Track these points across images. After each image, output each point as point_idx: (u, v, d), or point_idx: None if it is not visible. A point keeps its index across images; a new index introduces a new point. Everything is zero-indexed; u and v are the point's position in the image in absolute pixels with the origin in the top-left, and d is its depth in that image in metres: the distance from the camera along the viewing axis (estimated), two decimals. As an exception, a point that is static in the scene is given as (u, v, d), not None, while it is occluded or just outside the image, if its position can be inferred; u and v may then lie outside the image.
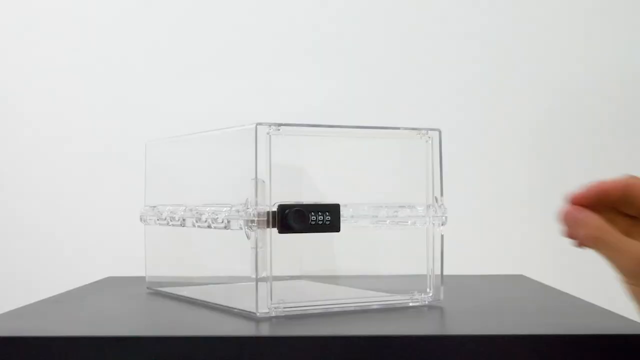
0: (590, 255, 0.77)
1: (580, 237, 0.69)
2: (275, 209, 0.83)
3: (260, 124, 0.83)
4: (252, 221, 0.82)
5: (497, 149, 1.64)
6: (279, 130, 0.85)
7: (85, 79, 1.65)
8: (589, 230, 0.68)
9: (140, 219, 1.08)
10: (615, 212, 0.71)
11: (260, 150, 0.83)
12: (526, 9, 1.66)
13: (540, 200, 1.58)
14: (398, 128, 0.91)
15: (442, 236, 0.93)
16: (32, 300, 0.98)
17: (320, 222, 0.84)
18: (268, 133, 0.84)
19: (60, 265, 1.61)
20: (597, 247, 0.69)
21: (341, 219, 0.87)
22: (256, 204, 0.83)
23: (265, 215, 0.82)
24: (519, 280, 1.21)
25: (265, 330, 0.79)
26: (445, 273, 0.93)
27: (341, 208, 0.87)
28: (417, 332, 0.78)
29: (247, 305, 0.85)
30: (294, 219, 0.82)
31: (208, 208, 0.91)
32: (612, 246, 0.68)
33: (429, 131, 0.93)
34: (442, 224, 0.93)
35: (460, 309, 0.92)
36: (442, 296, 0.93)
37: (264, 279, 0.83)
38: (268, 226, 0.82)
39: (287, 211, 0.82)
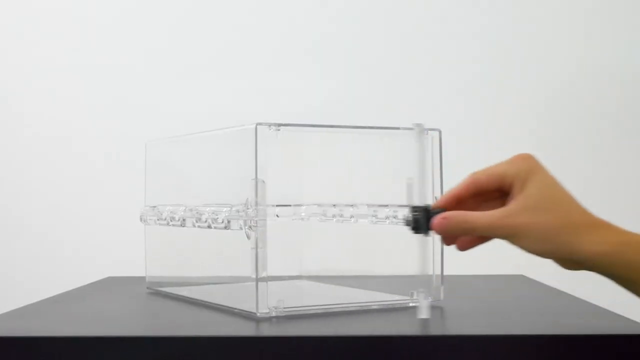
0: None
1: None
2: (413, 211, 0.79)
3: (260, 124, 0.83)
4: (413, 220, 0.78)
5: (497, 149, 1.63)
6: (279, 130, 0.84)
7: (85, 79, 1.65)
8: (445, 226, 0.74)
9: (141, 219, 1.08)
10: (493, 194, 0.76)
11: (260, 150, 0.83)
12: (526, 9, 1.66)
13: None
14: (398, 128, 0.91)
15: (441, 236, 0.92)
16: (32, 300, 0.98)
17: None
18: (268, 133, 0.84)
19: (60, 265, 1.61)
20: (454, 230, 0.74)
21: (341, 219, 0.87)
22: (256, 204, 0.83)
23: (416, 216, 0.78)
24: (519, 280, 1.21)
25: (265, 330, 0.79)
26: (445, 273, 0.93)
27: (341, 208, 0.87)
28: (417, 332, 0.78)
29: (247, 305, 0.85)
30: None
31: (208, 208, 0.91)
32: (466, 225, 0.74)
33: (429, 131, 0.93)
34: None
35: (460, 309, 0.92)
36: (442, 296, 0.93)
37: (264, 279, 0.83)
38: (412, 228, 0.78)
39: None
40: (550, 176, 0.75)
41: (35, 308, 0.94)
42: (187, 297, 0.99)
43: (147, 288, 1.09)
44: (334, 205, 0.89)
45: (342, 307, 0.89)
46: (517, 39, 1.65)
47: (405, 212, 0.82)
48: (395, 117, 1.60)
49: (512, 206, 0.73)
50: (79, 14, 1.66)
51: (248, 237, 0.84)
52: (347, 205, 0.88)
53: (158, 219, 1.03)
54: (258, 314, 0.83)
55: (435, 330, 0.84)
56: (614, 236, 0.71)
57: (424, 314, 0.80)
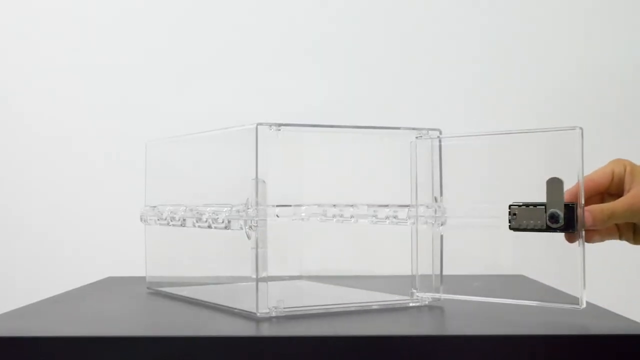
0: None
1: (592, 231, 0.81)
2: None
3: (260, 124, 0.83)
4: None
5: (497, 149, 1.63)
6: (279, 130, 0.85)
7: (85, 79, 1.65)
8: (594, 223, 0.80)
9: (141, 219, 1.08)
10: (604, 196, 0.85)
11: (260, 150, 0.83)
12: (526, 9, 1.66)
13: (541, 200, 1.58)
14: (398, 128, 0.91)
15: (441, 236, 0.92)
16: (32, 300, 0.98)
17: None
18: (268, 133, 0.84)
19: (60, 265, 1.61)
20: (603, 220, 0.80)
21: (341, 219, 0.87)
22: (256, 204, 0.83)
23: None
24: (519, 280, 1.21)
25: (265, 330, 0.79)
26: (445, 273, 0.93)
27: (341, 208, 0.87)
28: (417, 332, 0.78)
29: (247, 305, 0.85)
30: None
31: (208, 208, 0.91)
32: (607, 212, 0.80)
33: (429, 131, 0.93)
34: (442, 224, 0.93)
35: (460, 309, 0.92)
36: (442, 296, 0.93)
37: (264, 279, 0.83)
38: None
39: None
40: None
41: (35, 308, 0.94)
42: (187, 297, 0.99)
43: (147, 288, 1.09)
44: (334, 205, 0.89)
45: (342, 307, 0.89)
46: (517, 39, 1.65)
47: (405, 212, 0.82)
48: (395, 117, 1.60)
49: (636, 189, 0.81)
50: (79, 14, 1.66)
51: (248, 237, 0.84)
52: (347, 205, 0.88)
53: (158, 219, 1.03)
54: (258, 314, 0.83)
55: (435, 330, 0.84)
56: None
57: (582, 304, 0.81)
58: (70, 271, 1.55)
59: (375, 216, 0.90)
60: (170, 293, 1.04)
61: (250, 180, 0.83)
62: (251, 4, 1.65)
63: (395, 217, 0.91)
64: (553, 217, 0.79)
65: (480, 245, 0.78)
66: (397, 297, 0.93)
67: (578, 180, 0.81)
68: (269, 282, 0.84)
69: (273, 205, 0.84)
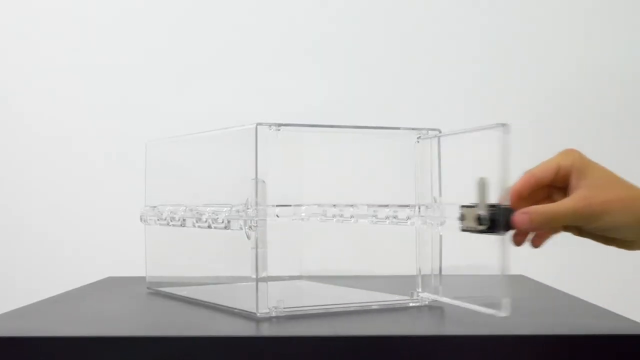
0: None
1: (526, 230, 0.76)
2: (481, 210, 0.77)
3: (260, 124, 0.83)
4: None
5: (497, 149, 1.63)
6: (279, 130, 0.85)
7: (85, 79, 1.65)
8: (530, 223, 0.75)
9: (141, 219, 1.08)
10: (550, 190, 0.78)
11: (260, 150, 0.83)
12: (526, 9, 1.66)
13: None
14: (398, 128, 0.91)
15: (440, 236, 0.92)
16: (32, 300, 0.98)
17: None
18: (268, 133, 0.84)
19: (60, 265, 1.61)
20: (539, 223, 0.74)
21: (341, 219, 0.87)
22: (256, 204, 0.83)
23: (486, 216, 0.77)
24: (519, 280, 1.21)
25: (265, 330, 0.79)
26: (445, 273, 0.93)
27: (341, 208, 0.87)
28: (417, 332, 0.78)
29: (247, 305, 0.85)
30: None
31: (208, 208, 0.91)
32: (548, 215, 0.74)
33: (429, 131, 0.93)
34: (441, 224, 0.93)
35: (461, 309, 0.92)
36: (442, 296, 0.93)
37: (264, 279, 0.83)
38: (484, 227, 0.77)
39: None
40: (597, 164, 0.78)
41: (35, 308, 0.94)
42: (187, 297, 0.99)
43: (147, 288, 1.09)
44: (334, 205, 0.89)
45: (342, 307, 0.89)
46: (517, 39, 1.65)
47: (405, 213, 0.81)
48: (395, 117, 1.60)
49: (582, 190, 0.75)
50: (79, 14, 1.66)
51: (248, 237, 0.84)
52: (347, 205, 0.88)
53: (158, 219, 1.03)
54: (258, 314, 0.83)
55: (435, 330, 0.84)
56: None
57: (504, 312, 0.76)
58: (70, 271, 1.55)
59: (375, 216, 0.90)
60: (170, 293, 1.04)
61: (250, 180, 0.83)
62: (251, 4, 1.65)
63: (395, 217, 0.91)
64: (479, 219, 0.76)
65: (480, 245, 0.78)
66: (397, 297, 0.93)
67: (523, 176, 0.77)
68: (269, 282, 0.84)
69: (273, 205, 0.84)
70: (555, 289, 1.08)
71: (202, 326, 0.84)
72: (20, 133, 1.65)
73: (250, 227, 0.84)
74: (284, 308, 0.84)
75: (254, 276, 0.83)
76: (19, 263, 1.63)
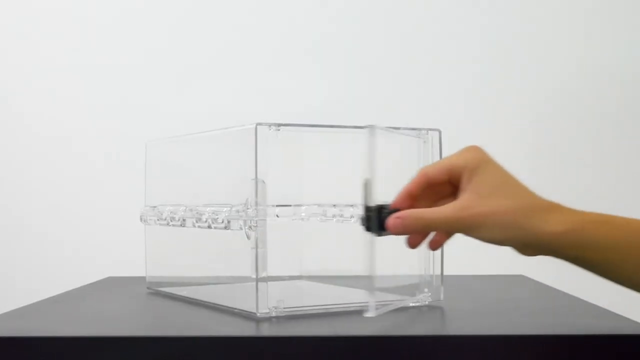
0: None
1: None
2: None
3: (260, 124, 0.83)
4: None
5: (497, 149, 1.63)
6: (279, 130, 0.84)
7: (85, 79, 1.65)
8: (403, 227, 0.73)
9: (141, 219, 1.08)
10: (446, 189, 0.75)
11: (260, 150, 0.83)
12: (526, 9, 1.66)
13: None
14: (398, 128, 0.91)
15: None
16: (32, 300, 0.98)
17: None
18: (268, 133, 0.84)
19: (60, 265, 1.61)
20: (411, 228, 0.73)
21: (341, 219, 0.87)
22: (256, 204, 0.83)
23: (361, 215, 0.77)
24: (519, 280, 1.21)
25: (265, 330, 0.79)
26: (445, 273, 0.93)
27: (341, 208, 0.87)
28: (417, 332, 0.78)
29: (247, 305, 0.85)
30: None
31: (208, 208, 0.91)
32: (422, 222, 0.72)
33: (429, 131, 0.93)
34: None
35: (460, 309, 0.92)
36: (442, 296, 0.93)
37: (264, 279, 0.83)
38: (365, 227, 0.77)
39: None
40: (497, 164, 0.74)
41: (35, 308, 0.94)
42: (187, 297, 0.99)
43: (147, 288, 1.09)
44: (334, 205, 0.89)
45: (342, 307, 0.89)
46: (517, 39, 1.65)
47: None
48: (395, 117, 1.60)
49: (465, 197, 0.72)
50: (79, 14, 1.66)
51: (248, 237, 0.84)
52: (347, 205, 0.88)
53: (158, 219, 1.03)
54: (258, 314, 0.83)
55: (435, 330, 0.84)
56: (571, 216, 0.71)
57: (370, 312, 0.76)
58: (70, 271, 1.55)
59: (375, 216, 0.89)
60: (170, 293, 1.04)
61: (250, 180, 0.83)
62: (251, 4, 1.65)
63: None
64: (362, 220, 0.75)
65: (481, 245, 0.78)
66: (397, 297, 0.93)
67: (416, 174, 0.75)
68: (269, 282, 0.83)
69: (273, 205, 0.84)
70: (555, 289, 1.08)
71: (202, 326, 0.84)
72: (21, 133, 1.65)
73: (250, 227, 0.84)
74: (284, 308, 0.84)
75: (254, 276, 0.83)
76: (19, 263, 1.63)
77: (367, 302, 0.90)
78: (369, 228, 0.75)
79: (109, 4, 1.66)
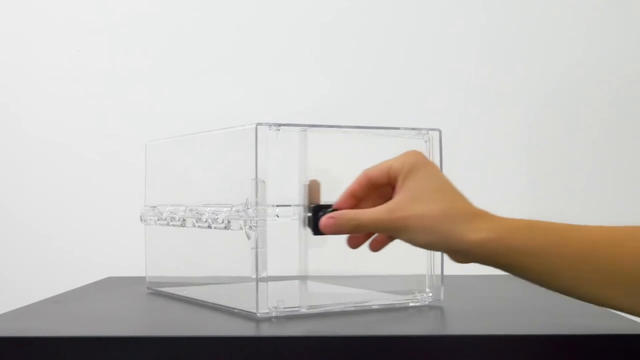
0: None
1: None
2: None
3: (260, 124, 0.83)
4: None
5: (497, 149, 1.64)
6: (279, 130, 0.85)
7: (85, 79, 1.65)
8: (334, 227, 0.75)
9: (141, 219, 1.08)
10: (389, 193, 0.76)
11: (260, 150, 0.83)
12: (526, 9, 1.66)
13: (541, 200, 1.58)
14: (398, 128, 0.91)
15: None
16: (32, 300, 0.98)
17: None
18: (268, 133, 0.84)
19: (60, 265, 1.61)
20: (342, 228, 0.75)
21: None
22: (256, 204, 0.83)
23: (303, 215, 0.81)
24: (519, 280, 1.21)
25: (265, 330, 0.79)
26: (445, 273, 0.93)
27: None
28: (417, 332, 0.78)
29: (247, 305, 0.85)
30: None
31: (208, 208, 0.91)
32: (353, 222, 0.74)
33: (429, 131, 0.93)
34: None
35: (460, 309, 0.92)
36: (442, 296, 0.93)
37: (264, 279, 0.83)
38: (304, 227, 0.81)
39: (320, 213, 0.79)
40: (433, 169, 0.75)
41: (35, 308, 0.94)
42: (187, 297, 0.99)
43: (147, 288, 1.09)
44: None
45: (342, 307, 0.89)
46: (517, 39, 1.65)
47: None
48: (395, 117, 1.60)
49: (396, 199, 0.73)
50: (79, 15, 1.66)
51: (248, 237, 0.84)
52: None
53: (158, 219, 1.03)
54: (258, 314, 0.83)
55: (435, 330, 0.84)
56: (493, 223, 0.71)
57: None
58: (70, 271, 1.55)
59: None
60: (170, 293, 1.04)
61: (250, 180, 0.83)
62: (252, 5, 1.65)
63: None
64: (304, 220, 0.79)
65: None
66: (397, 297, 0.93)
67: (359, 175, 0.77)
68: (269, 282, 0.84)
69: (273, 205, 0.84)
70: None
71: (202, 326, 0.84)
72: (20, 133, 1.65)
73: (250, 227, 0.84)
74: (284, 308, 0.84)
75: (254, 276, 0.83)
76: (19, 263, 1.63)
77: (367, 302, 0.90)
78: (314, 229, 0.78)
79: (109, 4, 1.66)
